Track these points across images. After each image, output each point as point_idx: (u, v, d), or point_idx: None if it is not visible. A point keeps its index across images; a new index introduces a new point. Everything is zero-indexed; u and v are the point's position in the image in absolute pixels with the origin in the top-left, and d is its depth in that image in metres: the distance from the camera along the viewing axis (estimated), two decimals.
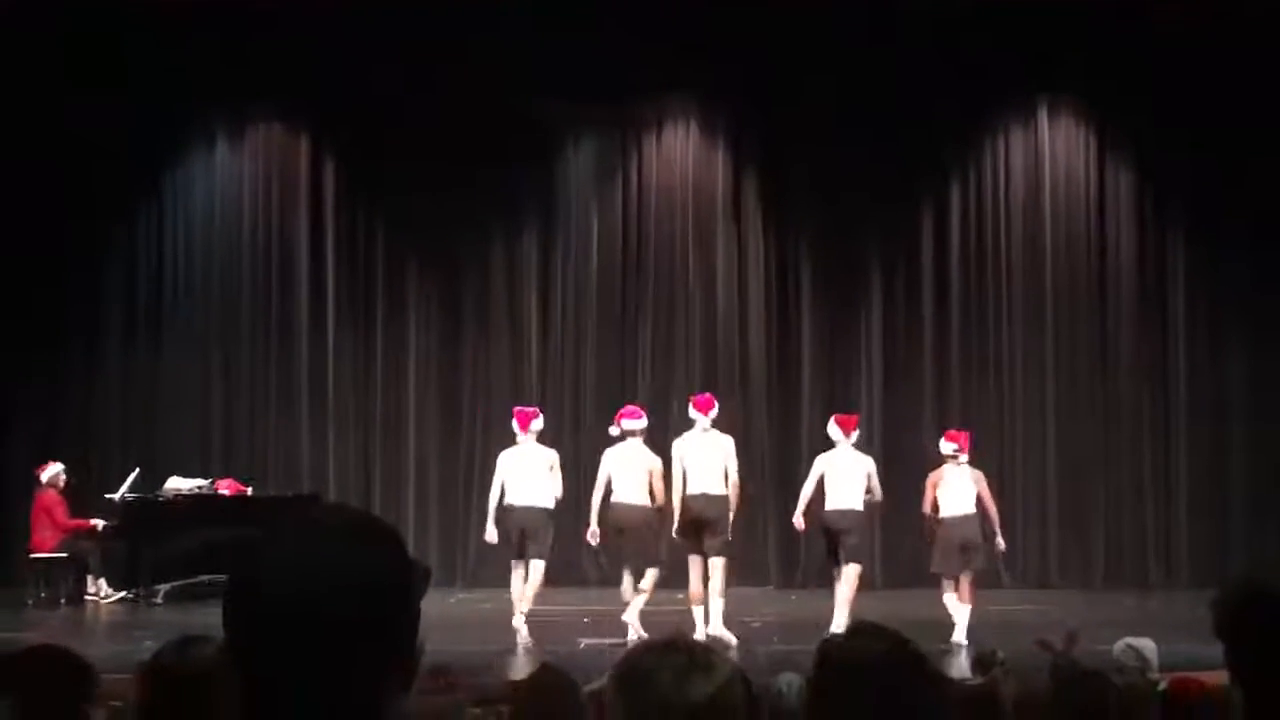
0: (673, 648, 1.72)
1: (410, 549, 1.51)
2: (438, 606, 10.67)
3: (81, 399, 14.35)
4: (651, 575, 10.10)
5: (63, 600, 12.53)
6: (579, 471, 11.55)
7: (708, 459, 10.08)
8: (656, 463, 10.19)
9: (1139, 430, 14.16)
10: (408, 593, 1.47)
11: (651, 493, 10.10)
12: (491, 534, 10.37)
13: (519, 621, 10.05)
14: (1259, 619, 2.33)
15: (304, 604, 1.40)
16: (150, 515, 12.62)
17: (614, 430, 10.42)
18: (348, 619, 1.41)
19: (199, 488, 13.05)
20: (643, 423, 10.34)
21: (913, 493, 11.21)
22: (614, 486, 10.12)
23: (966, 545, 10.10)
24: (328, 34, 13.68)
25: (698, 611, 10.07)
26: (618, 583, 10.30)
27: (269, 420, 14.54)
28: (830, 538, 10.26)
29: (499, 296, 14.57)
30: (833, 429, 10.52)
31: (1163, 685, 4.71)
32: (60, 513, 12.74)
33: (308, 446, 14.45)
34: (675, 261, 14.49)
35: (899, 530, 12.79)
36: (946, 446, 10.42)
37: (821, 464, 10.36)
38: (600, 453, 10.70)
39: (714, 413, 10.27)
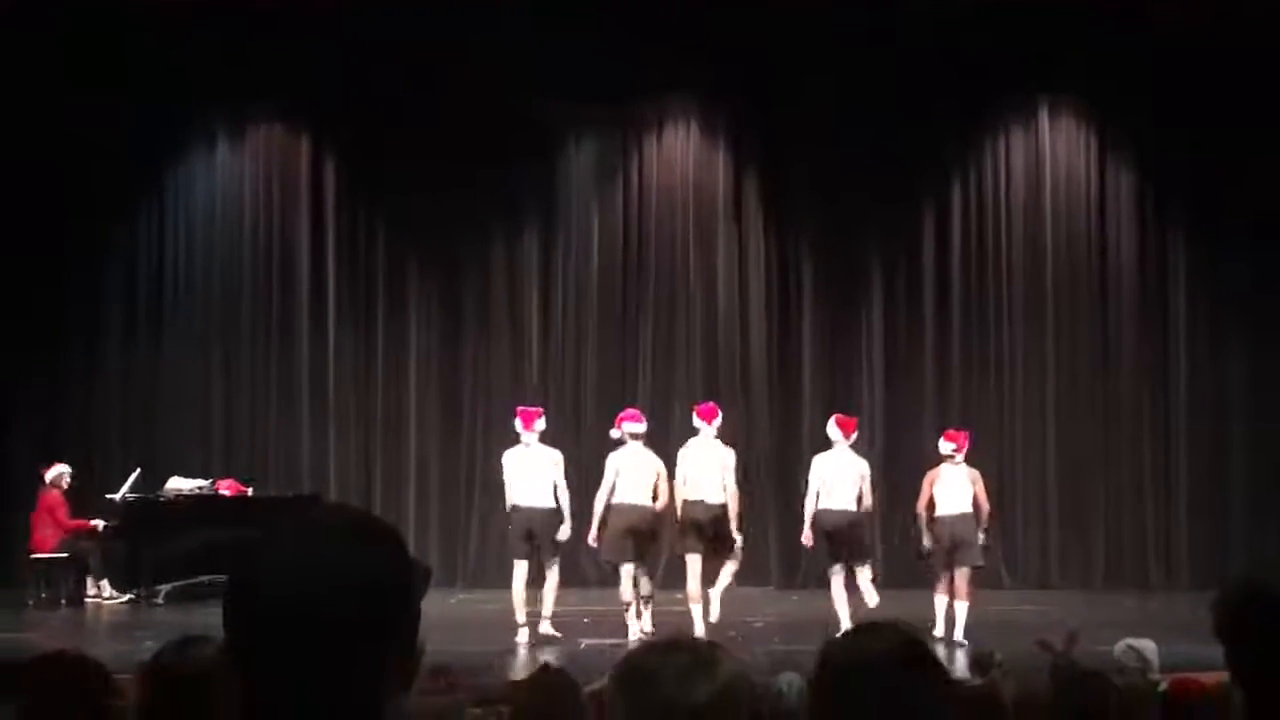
0: (676, 647, 1.72)
1: (410, 549, 1.51)
2: (438, 607, 10.67)
3: (82, 399, 14.35)
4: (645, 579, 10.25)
5: (63, 601, 12.53)
6: (580, 472, 11.53)
7: (708, 468, 10.15)
8: (661, 465, 10.28)
9: (1139, 430, 14.16)
10: (408, 593, 1.47)
11: (655, 494, 10.17)
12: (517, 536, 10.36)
13: (546, 626, 10.16)
14: (1259, 619, 2.33)
15: (304, 604, 1.40)
16: (151, 515, 12.62)
17: (615, 433, 10.46)
18: (348, 619, 1.41)
19: (200, 488, 13.05)
20: (644, 426, 10.42)
21: (913, 492, 11.24)
22: (620, 489, 10.16)
23: (957, 544, 10.16)
24: (328, 34, 13.68)
25: (696, 610, 10.08)
26: (618, 584, 10.31)
27: (269, 420, 14.54)
28: (828, 540, 10.25)
29: (499, 296, 14.58)
30: (832, 429, 10.54)
31: (1163, 686, 4.71)
32: (63, 513, 12.74)
33: (308, 446, 14.46)
34: (676, 261, 14.49)
35: (899, 530, 12.79)
36: (945, 446, 10.51)
37: (819, 466, 10.37)
38: (601, 453, 10.74)
39: (718, 421, 10.35)
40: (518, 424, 10.42)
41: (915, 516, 10.47)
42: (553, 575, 10.26)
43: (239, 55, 13.82)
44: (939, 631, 9.99)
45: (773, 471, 13.75)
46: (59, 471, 12.85)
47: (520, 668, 8.76)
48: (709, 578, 10.24)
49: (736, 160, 14.53)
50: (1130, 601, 12.48)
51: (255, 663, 1.42)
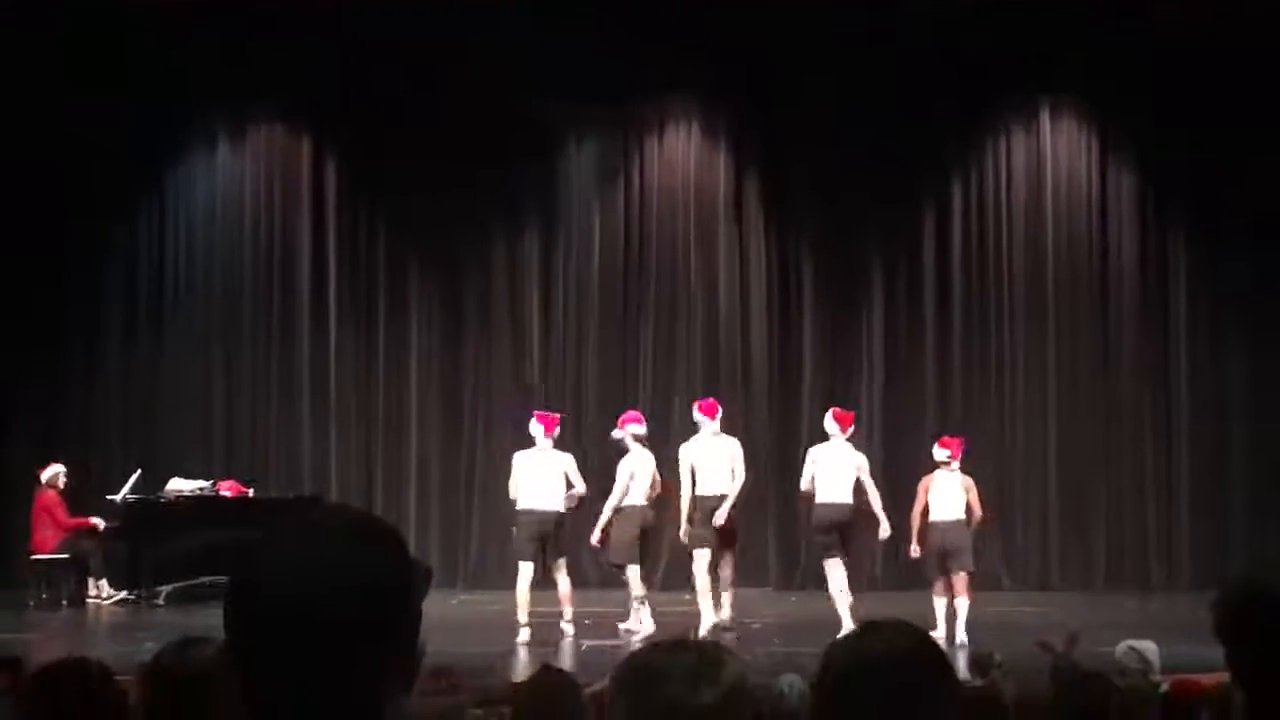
0: (681, 648, 1.72)
1: (411, 549, 1.51)
2: (439, 607, 10.66)
3: (82, 399, 14.35)
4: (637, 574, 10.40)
5: (64, 601, 12.53)
6: (581, 472, 11.52)
7: (719, 461, 10.26)
8: (654, 466, 10.52)
9: (1140, 431, 14.15)
10: (409, 593, 1.47)
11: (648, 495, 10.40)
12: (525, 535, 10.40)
13: (568, 626, 10.22)
14: (1259, 619, 2.33)
15: (304, 605, 1.40)
16: (152, 516, 12.62)
17: (617, 434, 10.54)
18: (348, 620, 1.41)
19: (200, 489, 13.05)
20: (645, 427, 10.63)
21: (913, 494, 11.25)
22: (632, 491, 10.36)
23: (949, 550, 10.24)
24: (328, 34, 13.68)
25: (707, 603, 10.15)
26: (619, 585, 10.32)
27: (270, 420, 14.55)
28: (825, 531, 10.31)
29: (500, 296, 14.58)
30: (829, 423, 10.63)
31: (1164, 687, 4.72)
32: (61, 512, 12.74)
33: (309, 446, 14.46)
34: (676, 261, 14.49)
35: (899, 532, 12.76)
36: (939, 453, 10.63)
37: (816, 457, 10.44)
38: (602, 452, 10.81)
39: (719, 415, 10.42)
40: (535, 427, 10.45)
41: (908, 523, 10.51)
42: (565, 578, 10.35)
43: (239, 55, 13.82)
44: (940, 633, 10.00)
45: (773, 473, 13.73)
46: (54, 471, 12.84)
47: (521, 668, 8.75)
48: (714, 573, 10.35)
49: (737, 160, 14.53)
50: (1131, 602, 12.47)
51: (256, 663, 1.42)
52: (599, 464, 11.54)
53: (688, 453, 10.30)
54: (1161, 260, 14.35)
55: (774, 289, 14.47)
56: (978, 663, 5.42)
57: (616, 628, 10.50)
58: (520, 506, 10.29)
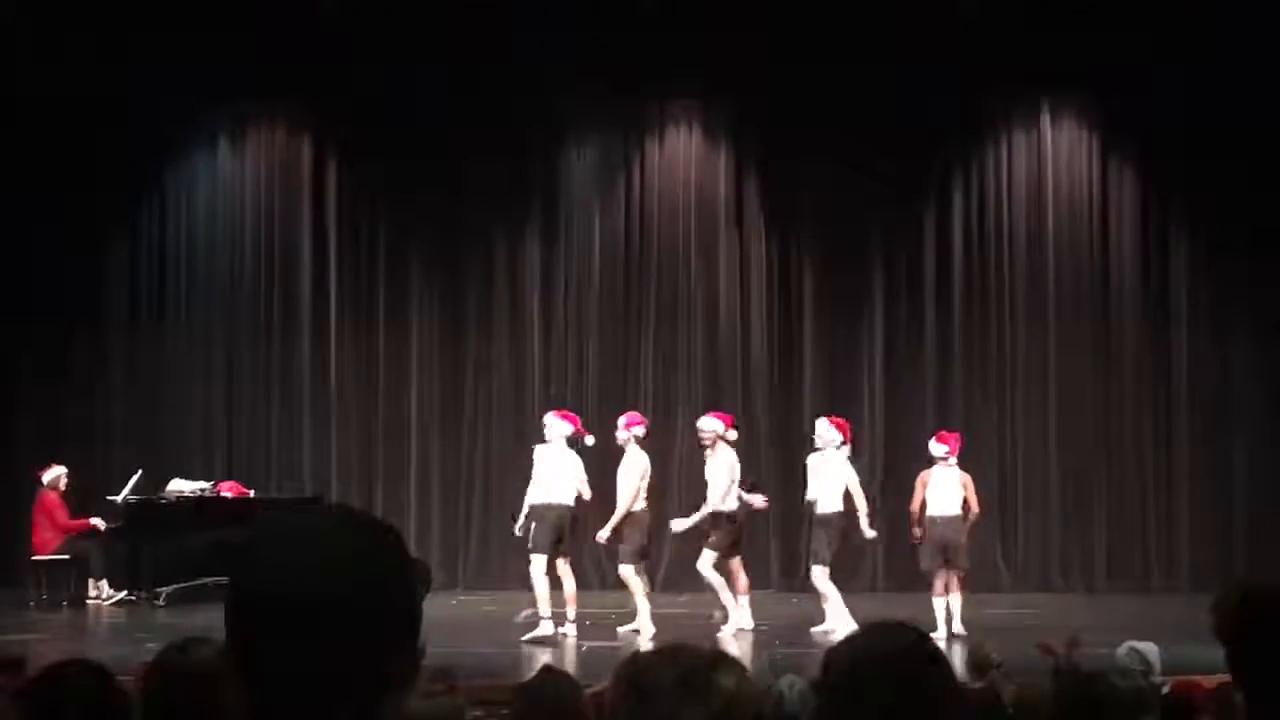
0: (671, 661, 1.71)
1: (411, 550, 1.51)
2: (439, 608, 10.68)
3: (83, 400, 14.34)
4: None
5: (64, 602, 12.53)
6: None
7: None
8: None
9: (1140, 431, 14.14)
10: (408, 594, 1.47)
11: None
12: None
13: (570, 626, 10.33)
14: (1259, 621, 2.33)
15: (304, 604, 1.40)
16: (152, 517, 12.62)
17: (623, 435, 10.60)
18: (348, 620, 1.41)
19: (201, 490, 13.05)
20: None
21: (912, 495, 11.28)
22: (641, 493, 10.55)
23: (946, 545, 10.50)
24: (328, 34, 13.67)
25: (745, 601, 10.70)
26: (619, 586, 10.35)
27: (271, 420, 14.54)
28: (842, 539, 10.81)
29: (501, 297, 14.57)
30: (831, 431, 10.76)
31: (1166, 688, 4.71)
32: (61, 515, 12.74)
33: (309, 446, 14.46)
34: (677, 262, 14.48)
35: (899, 532, 12.77)
36: (937, 448, 10.78)
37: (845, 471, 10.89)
38: (602, 453, 10.91)
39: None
40: (564, 425, 10.56)
41: (910, 516, 10.82)
42: (570, 578, 10.47)
43: (239, 55, 13.82)
44: (940, 634, 10.06)
45: (773, 473, 13.72)
46: (56, 473, 12.85)
47: (521, 669, 8.75)
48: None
49: (738, 161, 14.52)
50: (1132, 603, 12.46)
51: (256, 664, 1.42)
52: (598, 464, 11.53)
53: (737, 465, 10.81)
54: (1162, 260, 14.34)
55: (774, 290, 14.47)
56: (977, 664, 5.42)
57: (616, 630, 10.51)
58: (541, 501, 10.35)
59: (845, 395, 13.98)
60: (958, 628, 10.25)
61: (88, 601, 12.71)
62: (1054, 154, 14.42)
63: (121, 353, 14.57)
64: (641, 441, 10.68)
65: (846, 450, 10.88)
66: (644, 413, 11.62)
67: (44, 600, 12.42)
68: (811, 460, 10.95)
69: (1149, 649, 5.35)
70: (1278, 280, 13.71)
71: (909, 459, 12.49)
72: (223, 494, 13.13)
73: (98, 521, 12.78)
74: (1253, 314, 13.98)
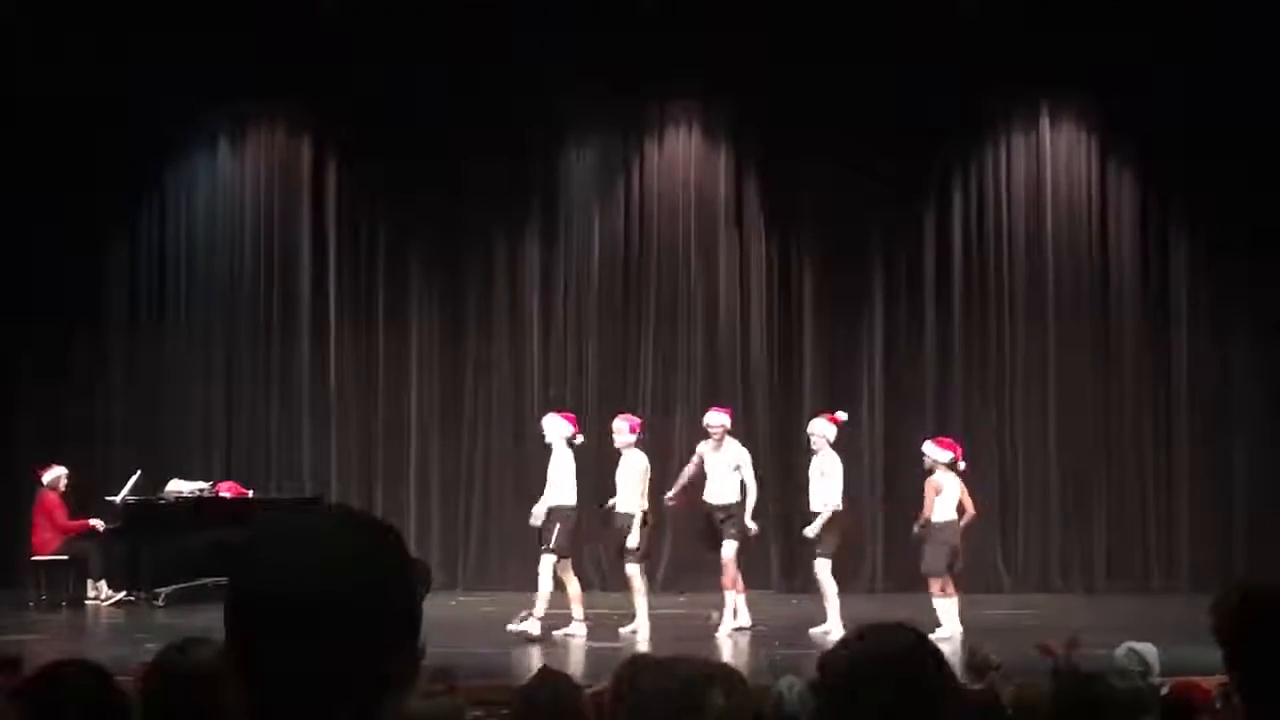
0: (669, 674, 1.71)
1: (411, 550, 1.51)
2: (439, 608, 10.68)
3: (83, 400, 14.34)
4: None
5: (63, 603, 12.52)
6: (582, 474, 11.54)
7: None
8: None
9: (1140, 431, 14.13)
10: (408, 594, 1.47)
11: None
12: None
13: (579, 625, 10.44)
14: (1259, 621, 2.33)
15: (304, 605, 1.40)
16: (151, 517, 12.62)
17: (632, 436, 10.64)
18: (347, 620, 1.41)
19: (200, 490, 13.05)
20: None
21: (913, 496, 11.28)
22: (645, 493, 10.65)
23: (954, 549, 10.69)
24: (328, 34, 13.67)
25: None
26: (618, 587, 10.38)
27: (270, 421, 14.54)
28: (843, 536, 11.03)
29: (501, 297, 14.57)
30: (829, 429, 10.91)
31: (1165, 689, 4.71)
32: (61, 515, 12.74)
33: (309, 446, 14.46)
34: (677, 262, 14.47)
35: (899, 534, 12.78)
36: (943, 454, 10.77)
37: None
38: (602, 453, 10.96)
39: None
40: (565, 426, 10.67)
41: (924, 522, 10.78)
42: (574, 579, 10.61)
43: (239, 55, 13.82)
44: (947, 631, 10.13)
45: (774, 473, 13.72)
46: (56, 474, 12.84)
47: (521, 670, 8.76)
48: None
49: (738, 161, 14.52)
50: (1132, 604, 12.46)
51: (256, 664, 1.42)
52: (599, 465, 11.54)
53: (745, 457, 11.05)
54: (1161, 260, 14.33)
55: (774, 290, 14.46)
56: (977, 665, 5.42)
57: (617, 631, 10.52)
58: (562, 503, 10.44)
59: (845, 395, 13.96)
60: (959, 627, 10.32)
61: (87, 602, 12.71)
62: (1054, 154, 14.41)
63: (121, 353, 14.57)
64: (640, 443, 10.73)
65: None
66: (644, 413, 11.68)
67: (43, 601, 12.42)
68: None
69: (1148, 650, 5.35)
70: (1278, 280, 13.71)
71: (908, 459, 12.49)
72: (222, 494, 13.13)
73: (97, 523, 12.78)
74: (1253, 314, 13.97)
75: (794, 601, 12.83)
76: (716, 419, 11.05)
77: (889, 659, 1.80)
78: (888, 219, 14.27)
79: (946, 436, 11.50)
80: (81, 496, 13.03)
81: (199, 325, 14.61)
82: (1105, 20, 13.46)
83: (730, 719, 1.68)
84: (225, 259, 14.68)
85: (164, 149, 14.58)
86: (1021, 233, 14.40)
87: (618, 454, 10.74)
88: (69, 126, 13.74)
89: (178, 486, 13.00)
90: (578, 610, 10.42)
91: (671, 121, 14.60)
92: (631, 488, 10.48)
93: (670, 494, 11.19)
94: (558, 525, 10.37)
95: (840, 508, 10.83)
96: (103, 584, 12.80)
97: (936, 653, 1.86)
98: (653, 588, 10.99)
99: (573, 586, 10.47)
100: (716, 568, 10.96)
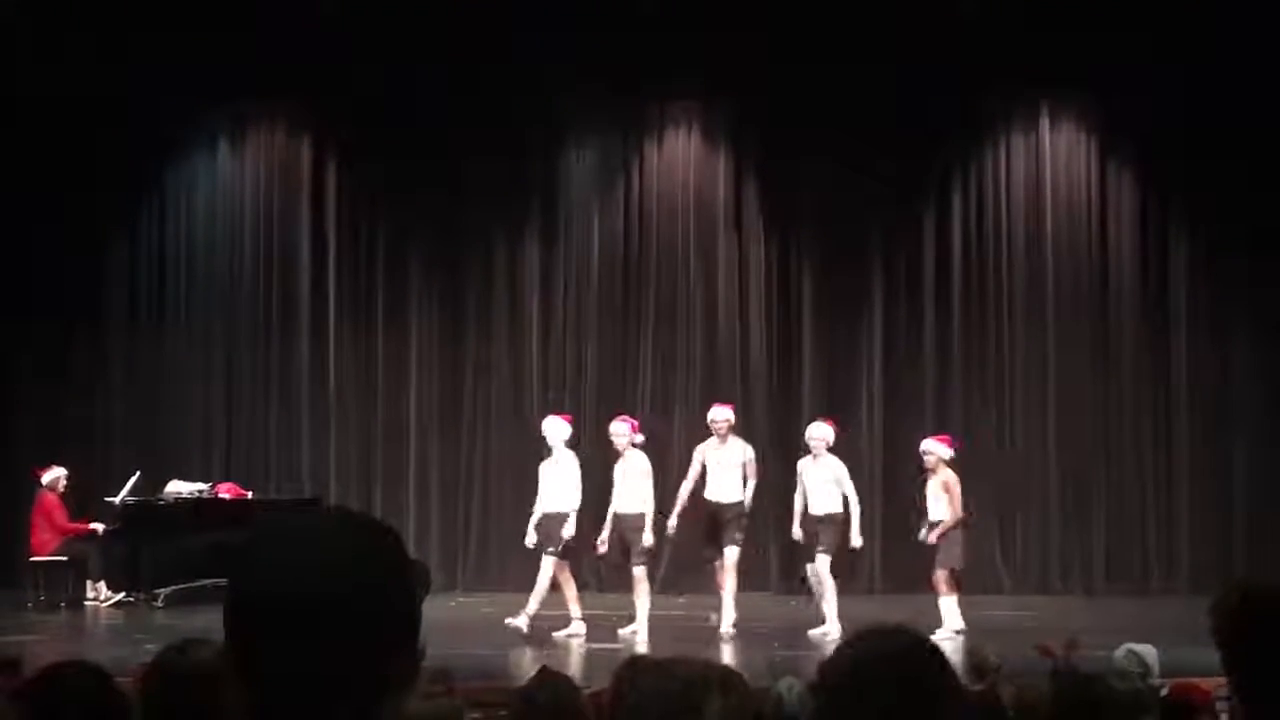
0: (679, 667, 1.71)
1: (411, 551, 1.51)
2: (438, 609, 10.68)
3: (83, 401, 14.34)
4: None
5: (63, 603, 12.52)
6: (583, 474, 11.55)
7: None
8: None
9: (1140, 432, 14.13)
10: (408, 595, 1.47)
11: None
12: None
13: (579, 625, 10.49)
14: (1258, 622, 2.33)
15: (303, 605, 1.40)
16: (150, 518, 12.62)
17: (638, 438, 10.65)
18: (347, 621, 1.41)
19: (199, 491, 13.05)
20: None
21: (913, 496, 11.28)
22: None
23: (962, 544, 10.76)
24: (328, 34, 13.67)
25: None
26: (615, 587, 10.40)
27: (270, 421, 14.54)
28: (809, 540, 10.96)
29: (501, 298, 14.57)
30: (829, 432, 10.98)
31: (1164, 690, 4.71)
32: (60, 516, 12.74)
33: (308, 447, 14.46)
34: (676, 263, 14.47)
35: (898, 534, 12.78)
36: (947, 450, 10.68)
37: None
38: (601, 454, 10.98)
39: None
40: (566, 429, 10.76)
41: (960, 521, 10.69)
42: (571, 580, 10.64)
43: (239, 55, 13.82)
44: (949, 632, 10.14)
45: (773, 473, 13.71)
46: (55, 475, 12.84)
47: (520, 671, 8.76)
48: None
49: (737, 162, 14.52)
50: (1131, 605, 12.46)
51: (255, 665, 1.42)
52: (598, 466, 11.54)
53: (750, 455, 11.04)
54: (1161, 260, 14.33)
55: (774, 291, 14.46)
56: (977, 666, 5.42)
57: (616, 632, 10.52)
58: (564, 508, 10.49)
59: (844, 396, 13.98)
60: (961, 625, 10.33)
61: (86, 603, 12.71)
62: (1053, 154, 14.41)
63: (121, 353, 14.57)
64: (640, 443, 10.74)
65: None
66: (643, 414, 11.69)
67: (42, 601, 12.41)
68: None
69: (1147, 651, 5.35)
70: (1278, 280, 13.71)
71: (908, 460, 12.48)
72: (221, 495, 13.13)
73: (97, 526, 12.77)
74: (1253, 314, 13.97)
75: (793, 603, 12.83)
76: (721, 414, 10.97)
77: (892, 659, 1.79)
78: (887, 219, 14.27)
79: (945, 434, 11.49)
80: (81, 497, 13.03)
81: (199, 325, 14.61)
82: (1105, 20, 13.46)
83: (743, 701, 1.68)
84: (225, 259, 14.68)
85: (164, 149, 14.58)
86: (1021, 233, 14.40)
87: (617, 455, 10.74)
88: (69, 126, 13.74)
89: (177, 487, 13.00)
90: (575, 609, 10.43)
91: (671, 122, 14.60)
92: (637, 489, 10.47)
93: (673, 520, 10.95)
94: (562, 527, 10.39)
95: (835, 510, 10.88)
96: (102, 585, 12.79)
97: (939, 653, 1.86)
98: (652, 588, 10.97)
99: (569, 588, 10.50)
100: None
